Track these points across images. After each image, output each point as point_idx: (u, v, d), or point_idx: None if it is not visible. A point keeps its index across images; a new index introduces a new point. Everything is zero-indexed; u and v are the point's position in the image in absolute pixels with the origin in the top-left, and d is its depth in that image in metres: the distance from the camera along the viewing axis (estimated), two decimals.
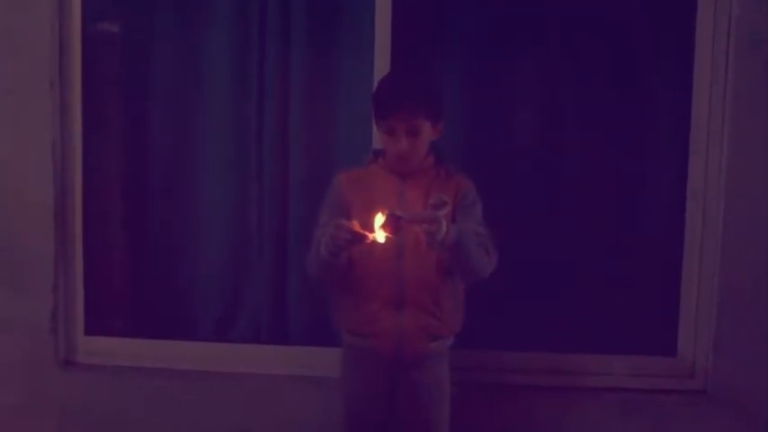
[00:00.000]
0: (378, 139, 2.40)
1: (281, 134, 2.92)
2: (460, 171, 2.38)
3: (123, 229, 3.03)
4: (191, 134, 2.96)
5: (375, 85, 2.43)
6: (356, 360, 2.35)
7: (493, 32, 2.84)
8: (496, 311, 2.80)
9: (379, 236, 2.04)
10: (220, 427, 2.84)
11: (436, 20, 2.85)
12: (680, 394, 2.78)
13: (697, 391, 2.78)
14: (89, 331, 2.96)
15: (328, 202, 2.34)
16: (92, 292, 2.97)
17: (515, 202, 2.84)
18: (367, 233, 2.04)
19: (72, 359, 2.94)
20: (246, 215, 2.96)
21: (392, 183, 2.28)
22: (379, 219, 2.03)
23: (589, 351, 2.83)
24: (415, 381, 2.30)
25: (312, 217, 2.40)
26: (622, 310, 2.87)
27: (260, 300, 2.97)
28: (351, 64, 2.86)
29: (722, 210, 2.70)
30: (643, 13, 2.82)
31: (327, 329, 2.53)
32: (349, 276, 2.27)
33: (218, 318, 2.99)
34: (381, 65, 2.75)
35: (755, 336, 2.71)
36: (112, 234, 3.02)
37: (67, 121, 2.87)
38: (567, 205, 2.87)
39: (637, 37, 2.83)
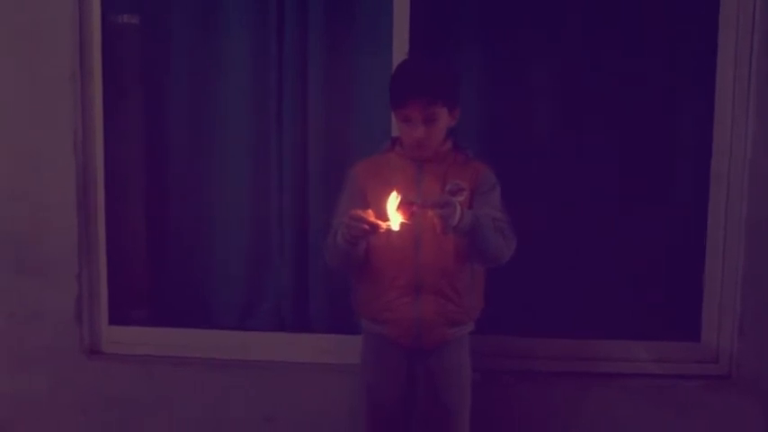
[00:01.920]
0: (396, 127, 2.39)
1: (301, 123, 2.92)
2: (479, 157, 2.36)
3: (146, 219, 3.05)
4: (211, 125, 2.97)
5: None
6: (376, 347, 2.36)
7: (511, 19, 2.83)
8: (517, 297, 2.79)
9: (394, 223, 2.04)
10: (244, 415, 2.86)
11: (454, 8, 2.83)
12: (704, 379, 2.76)
13: (721, 377, 2.76)
14: (113, 320, 2.99)
15: (346, 190, 2.35)
16: (115, 281, 2.99)
17: (537, 187, 2.82)
18: (381, 223, 2.04)
19: (96, 348, 2.97)
20: (267, 204, 2.97)
21: (409, 169, 2.28)
22: (393, 201, 2.02)
23: (611, 336, 2.82)
24: (434, 367, 2.31)
25: (332, 205, 2.40)
26: (645, 294, 2.87)
27: (282, 288, 2.99)
28: (369, 51, 2.84)
29: (746, 193, 2.67)
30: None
31: (349, 317, 2.54)
32: (367, 265, 2.27)
33: (240, 306, 3.01)
34: (400, 52, 2.73)
35: None
36: (135, 224, 3.05)
37: (89, 113, 2.89)
38: (589, 190, 2.84)
39: (658, 24, 2.80)
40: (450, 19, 2.84)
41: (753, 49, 2.65)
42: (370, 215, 2.07)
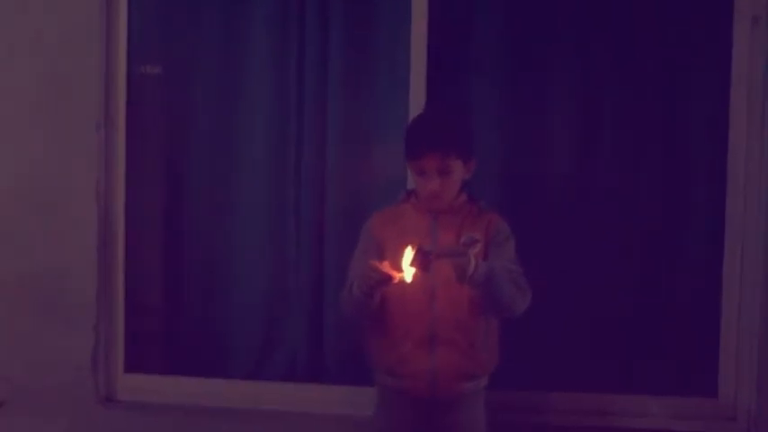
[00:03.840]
0: (411, 179, 2.42)
1: (319, 173, 2.95)
2: (493, 209, 2.38)
3: (164, 268, 3.08)
4: (230, 174, 3.01)
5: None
6: (390, 400, 2.34)
7: (529, 65, 2.86)
8: (532, 351, 2.77)
9: (408, 274, 2.05)
10: None
11: (470, 59, 2.88)
12: None
13: None
14: (129, 368, 3.00)
15: (361, 242, 2.37)
16: (132, 329, 3.01)
17: (551, 240, 2.82)
18: (395, 273, 2.05)
19: (112, 396, 2.98)
20: (284, 252, 2.99)
21: (424, 221, 2.30)
22: (408, 254, 2.04)
23: (626, 391, 2.79)
24: (449, 422, 2.29)
25: (347, 255, 2.41)
26: (662, 349, 2.83)
27: (297, 338, 2.99)
28: (386, 103, 2.89)
29: (763, 237, 2.66)
30: (678, 27, 2.81)
31: (363, 368, 2.53)
32: (382, 317, 2.27)
33: (255, 356, 3.01)
34: (416, 102, 2.78)
35: None
36: (153, 272, 3.07)
37: (112, 162, 2.95)
38: (603, 243, 2.83)
39: (672, 54, 2.82)
40: (467, 71, 2.88)
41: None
42: (386, 266, 2.09)
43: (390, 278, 2.07)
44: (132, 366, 3.01)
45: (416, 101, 2.79)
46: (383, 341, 2.30)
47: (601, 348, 2.82)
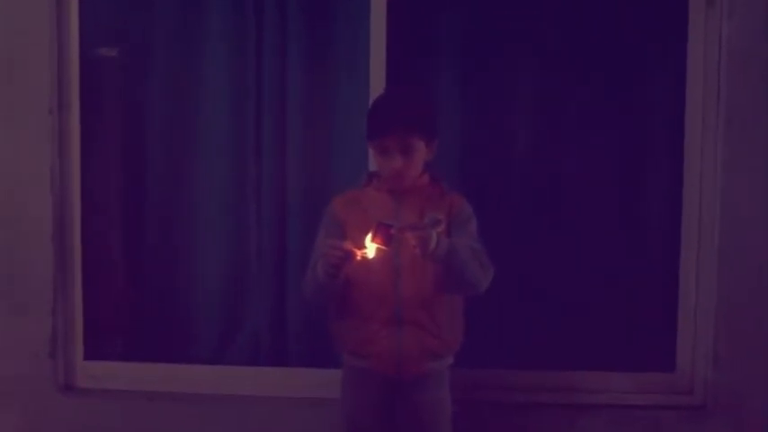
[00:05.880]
0: (373, 162, 2.41)
1: (280, 155, 2.94)
2: (455, 189, 2.39)
3: (121, 253, 3.04)
4: (189, 156, 2.98)
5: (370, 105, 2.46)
6: (356, 381, 2.35)
7: (490, 45, 2.87)
8: (494, 330, 2.81)
9: (370, 250, 2.05)
10: None
11: (432, 35, 2.87)
12: (680, 410, 2.78)
13: (697, 407, 2.78)
14: (88, 355, 2.97)
15: (324, 225, 2.36)
16: (90, 316, 2.97)
17: (512, 219, 2.85)
18: (357, 250, 2.06)
19: (71, 383, 2.94)
20: (245, 236, 2.97)
21: (387, 202, 2.29)
22: (371, 234, 2.04)
23: (588, 368, 2.84)
24: (415, 401, 2.30)
25: (309, 238, 2.40)
26: (620, 325, 2.88)
27: (259, 321, 2.98)
28: (347, 85, 2.88)
29: (718, 221, 2.71)
30: (638, 21, 2.84)
31: (327, 350, 2.53)
32: (347, 298, 2.27)
33: (217, 340, 2.99)
34: (377, 84, 2.78)
35: (755, 349, 2.71)
36: (111, 257, 3.03)
37: (66, 147, 2.90)
38: (563, 221, 2.87)
39: (632, 46, 2.85)
40: (427, 52, 2.88)
41: (720, 82, 2.72)
42: (348, 244, 2.09)
43: (352, 254, 2.07)
44: (92, 353, 2.97)
45: (376, 83, 2.78)
46: (348, 322, 2.30)
47: (563, 326, 2.86)
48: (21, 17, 2.82)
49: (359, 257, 2.07)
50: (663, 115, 2.85)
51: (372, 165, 2.47)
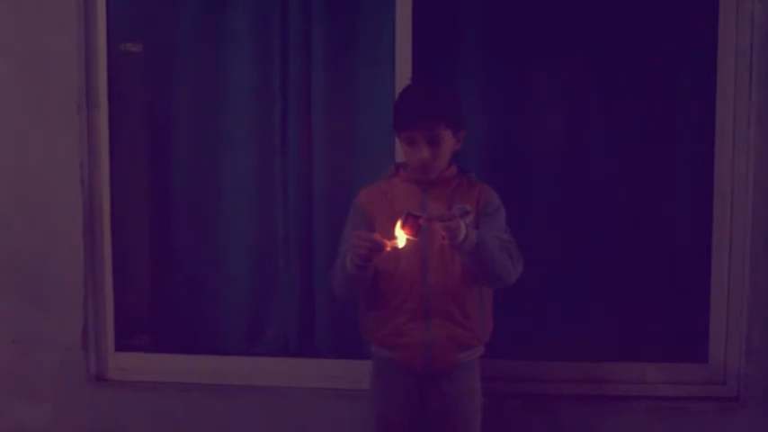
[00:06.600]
0: (400, 153, 2.40)
1: (306, 149, 2.94)
2: (483, 180, 2.37)
3: (151, 246, 3.07)
4: (216, 151, 2.99)
5: (396, 96, 2.45)
6: (386, 372, 2.34)
7: (514, 38, 2.85)
8: (526, 321, 2.80)
9: (400, 240, 2.04)
10: None
11: (456, 29, 2.86)
12: (712, 401, 2.75)
13: (729, 398, 2.75)
14: (119, 347, 2.99)
15: (350, 218, 2.35)
16: (121, 308, 3.00)
17: (544, 210, 2.84)
18: (386, 241, 2.05)
19: (102, 375, 2.97)
20: (272, 229, 2.97)
21: (414, 193, 2.28)
22: (400, 224, 2.03)
23: (620, 359, 2.82)
24: (445, 392, 2.29)
25: (337, 230, 2.40)
26: (653, 316, 2.85)
27: (288, 313, 2.99)
28: (373, 78, 2.87)
29: (750, 211, 2.67)
30: (666, 16, 2.81)
31: (356, 341, 2.53)
32: (375, 290, 2.27)
33: (246, 331, 3.01)
34: (402, 77, 2.75)
35: None
36: (140, 251, 3.06)
37: (95, 143, 2.92)
38: (596, 213, 2.85)
39: (661, 40, 2.82)
40: (453, 46, 2.86)
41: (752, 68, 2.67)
42: (377, 235, 2.08)
43: (382, 245, 2.06)
44: (123, 345, 3.00)
45: (402, 77, 2.75)
46: (377, 314, 2.30)
47: (595, 317, 2.84)
48: (48, 17, 2.84)
49: (388, 248, 2.06)
50: (693, 102, 2.81)
51: (399, 156, 2.46)
